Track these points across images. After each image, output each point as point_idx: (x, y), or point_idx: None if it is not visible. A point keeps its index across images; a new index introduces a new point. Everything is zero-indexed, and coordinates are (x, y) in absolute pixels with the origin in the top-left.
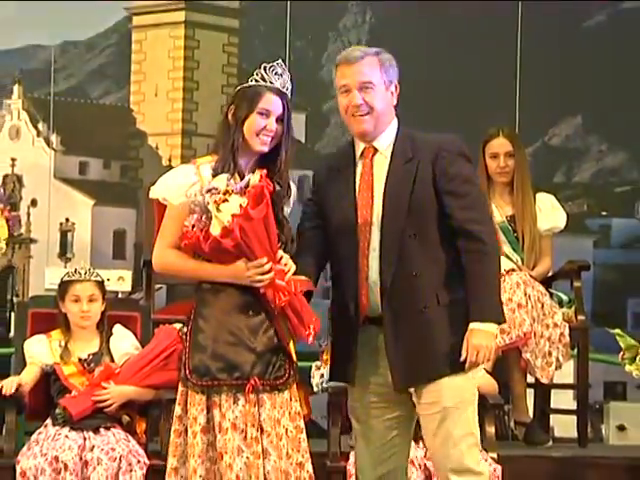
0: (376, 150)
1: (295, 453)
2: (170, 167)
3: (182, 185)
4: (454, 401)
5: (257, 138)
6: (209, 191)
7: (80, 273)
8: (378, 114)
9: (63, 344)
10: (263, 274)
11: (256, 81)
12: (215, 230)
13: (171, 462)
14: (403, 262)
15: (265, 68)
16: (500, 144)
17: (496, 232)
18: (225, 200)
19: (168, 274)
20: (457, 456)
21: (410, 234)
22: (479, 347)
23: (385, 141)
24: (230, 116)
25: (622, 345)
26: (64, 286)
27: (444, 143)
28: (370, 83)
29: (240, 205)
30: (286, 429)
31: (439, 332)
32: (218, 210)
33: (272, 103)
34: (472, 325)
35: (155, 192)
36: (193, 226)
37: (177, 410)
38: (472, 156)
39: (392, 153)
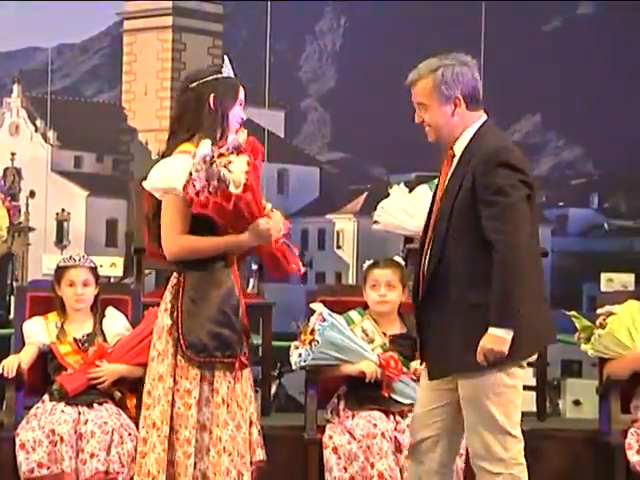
0: (454, 154)
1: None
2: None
3: (183, 174)
4: (471, 396)
5: (237, 125)
6: (204, 159)
7: (75, 259)
8: (437, 127)
9: (59, 325)
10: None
11: (220, 72)
12: (235, 188)
13: (164, 430)
14: (444, 262)
15: (230, 61)
16: None
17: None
18: (230, 161)
19: (190, 258)
20: (478, 444)
21: (453, 236)
22: (487, 350)
23: (460, 145)
24: (213, 104)
25: (578, 326)
26: (60, 271)
27: (489, 151)
28: (423, 104)
29: (247, 162)
30: (250, 401)
31: (461, 330)
32: (230, 171)
33: (243, 94)
34: (489, 329)
35: (154, 185)
36: (197, 194)
37: (168, 382)
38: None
39: (460, 157)
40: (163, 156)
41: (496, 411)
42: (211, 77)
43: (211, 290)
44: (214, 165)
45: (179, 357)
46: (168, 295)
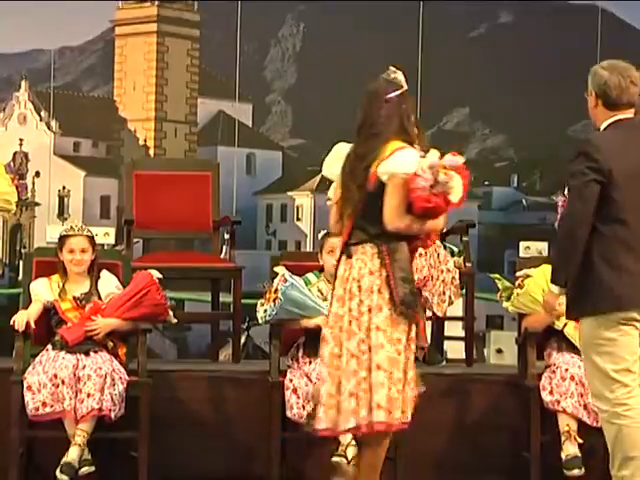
0: None
1: None
2: (146, 146)
3: (415, 162)
4: (582, 343)
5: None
6: (432, 165)
7: (74, 229)
8: (593, 119)
9: (61, 285)
10: None
11: (402, 87)
12: (455, 198)
13: (389, 370)
14: None
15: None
16: None
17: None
18: (452, 177)
19: (406, 233)
20: (591, 385)
21: None
22: (545, 303)
23: None
24: (407, 112)
25: (500, 286)
26: (62, 240)
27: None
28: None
29: (463, 183)
30: None
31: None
32: (451, 185)
33: None
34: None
35: (399, 169)
36: (420, 189)
37: (388, 331)
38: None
39: None
40: (365, 152)
41: (598, 359)
42: (402, 89)
43: (408, 260)
44: (440, 173)
45: (391, 311)
46: (374, 261)
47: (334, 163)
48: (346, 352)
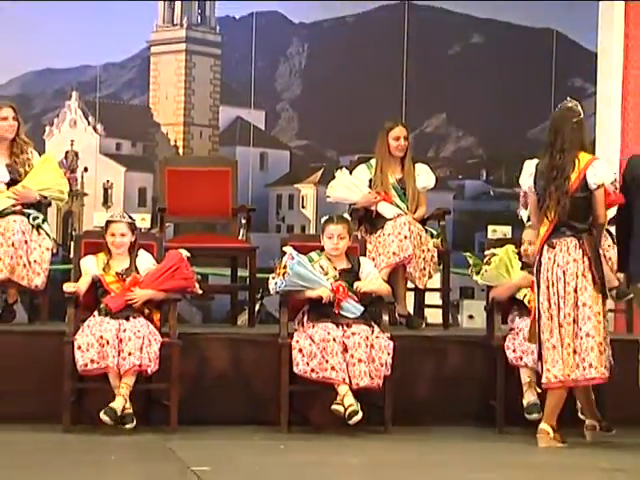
0: None
1: None
2: (176, 146)
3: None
4: None
5: None
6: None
7: (116, 216)
8: None
9: (106, 262)
10: None
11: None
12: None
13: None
14: None
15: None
16: (400, 130)
17: None
18: None
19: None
20: None
21: None
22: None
23: None
24: (585, 132)
25: (471, 262)
26: (106, 225)
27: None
28: None
29: None
30: None
31: None
32: None
33: None
34: None
35: (606, 179)
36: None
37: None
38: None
39: None
40: (562, 165)
41: None
42: (582, 115)
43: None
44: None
45: (594, 290)
46: (577, 251)
47: (337, 188)
48: (557, 324)
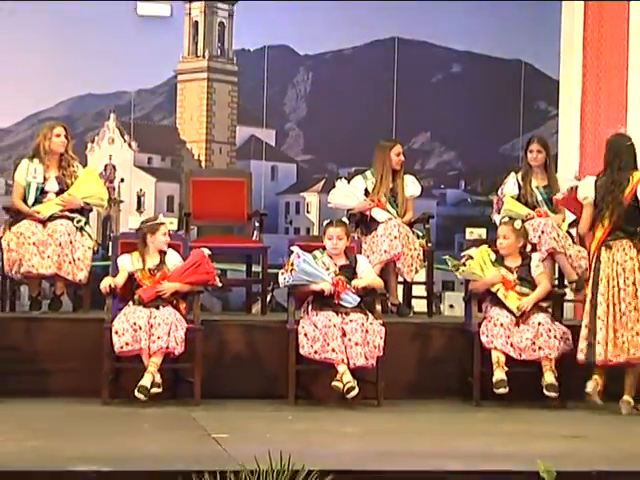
0: None
1: None
2: (199, 160)
3: None
4: None
5: None
6: None
7: (165, 222)
8: None
9: (139, 259)
10: None
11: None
12: None
13: None
14: None
15: None
16: (400, 147)
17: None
18: None
19: None
20: None
21: None
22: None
23: None
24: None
25: (450, 265)
26: (157, 226)
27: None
28: None
29: None
30: None
31: None
32: None
33: None
34: None
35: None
36: None
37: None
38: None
39: None
40: (619, 180)
41: None
42: (632, 140)
43: None
44: None
45: None
46: (632, 250)
47: (337, 195)
48: (618, 311)
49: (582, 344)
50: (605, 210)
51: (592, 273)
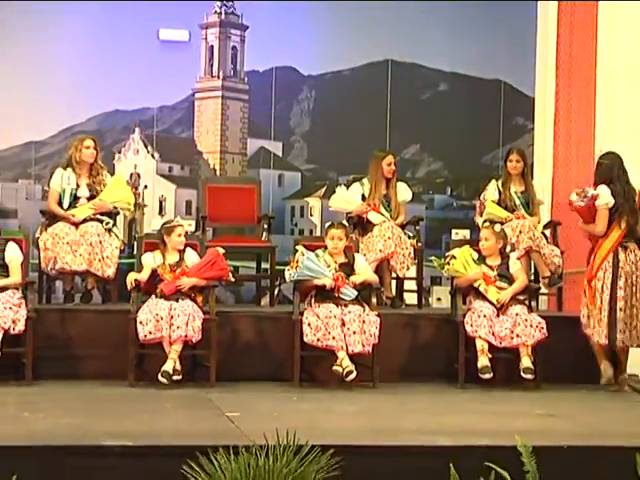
0: None
1: None
2: (214, 169)
3: None
4: None
5: None
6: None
7: (182, 223)
8: None
9: (161, 257)
10: None
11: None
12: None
13: None
14: None
15: None
16: (391, 158)
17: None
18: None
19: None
20: None
21: None
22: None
23: None
24: None
25: (435, 264)
26: (173, 227)
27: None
28: None
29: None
30: None
31: None
32: None
33: None
34: None
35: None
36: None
37: None
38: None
39: None
40: (630, 190)
41: None
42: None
43: None
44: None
45: None
46: None
47: (337, 200)
48: (634, 303)
49: (604, 330)
50: (623, 215)
51: (612, 268)
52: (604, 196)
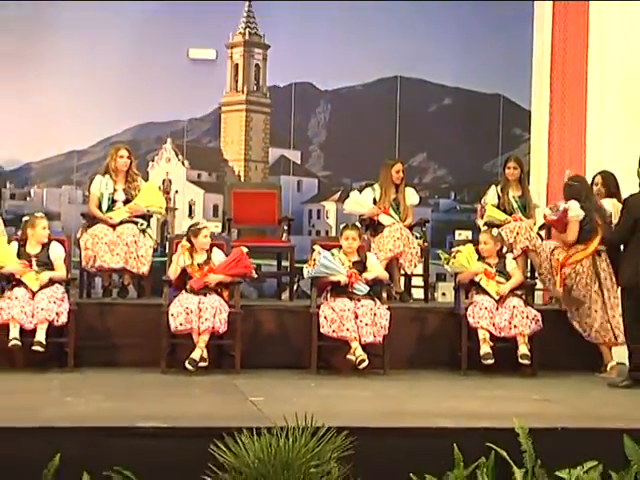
0: None
1: None
2: (239, 176)
3: None
4: None
5: None
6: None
7: (207, 226)
8: None
9: (190, 256)
10: None
11: None
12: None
13: None
14: None
15: None
16: (399, 166)
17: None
18: None
19: None
20: None
21: None
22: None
23: None
24: None
25: (442, 257)
26: (199, 230)
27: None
28: None
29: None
30: None
31: None
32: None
33: None
34: None
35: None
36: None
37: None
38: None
39: None
40: None
41: None
42: None
43: None
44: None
45: None
46: None
47: (351, 204)
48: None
49: (618, 331)
50: (596, 229)
51: (592, 269)
52: (574, 209)
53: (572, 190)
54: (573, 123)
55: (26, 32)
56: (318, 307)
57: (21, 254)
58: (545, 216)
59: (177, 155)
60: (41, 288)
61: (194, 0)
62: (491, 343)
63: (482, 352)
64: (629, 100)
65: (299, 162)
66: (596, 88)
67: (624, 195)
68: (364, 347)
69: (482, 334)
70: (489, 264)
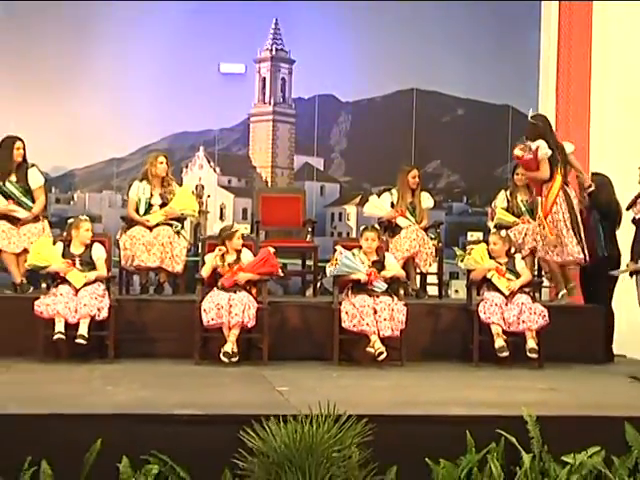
0: None
1: None
2: (266, 181)
3: None
4: None
5: None
6: None
7: (233, 228)
8: None
9: (221, 256)
10: None
11: None
12: None
13: None
14: None
15: None
16: (415, 172)
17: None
18: None
19: None
20: None
21: None
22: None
23: None
24: None
25: (457, 253)
26: (233, 233)
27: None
28: None
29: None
30: None
31: None
32: None
33: None
34: None
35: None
36: None
37: None
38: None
39: None
40: None
41: None
42: None
43: None
44: None
45: None
46: None
47: (370, 207)
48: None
49: (564, 249)
50: (560, 164)
51: (565, 202)
52: (543, 147)
53: (535, 130)
54: (576, 132)
55: (71, 48)
56: (340, 303)
57: (66, 254)
58: (518, 157)
59: (209, 162)
60: (84, 285)
61: (225, 18)
62: (504, 337)
63: (497, 345)
64: (630, 100)
65: (322, 169)
66: (598, 98)
67: (624, 197)
68: (382, 340)
69: (495, 329)
70: (499, 263)
